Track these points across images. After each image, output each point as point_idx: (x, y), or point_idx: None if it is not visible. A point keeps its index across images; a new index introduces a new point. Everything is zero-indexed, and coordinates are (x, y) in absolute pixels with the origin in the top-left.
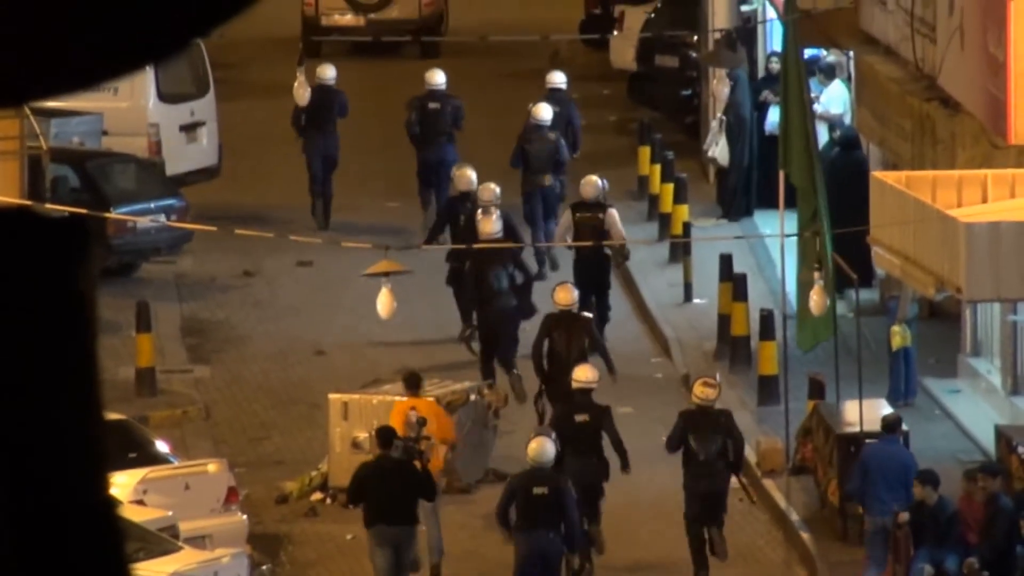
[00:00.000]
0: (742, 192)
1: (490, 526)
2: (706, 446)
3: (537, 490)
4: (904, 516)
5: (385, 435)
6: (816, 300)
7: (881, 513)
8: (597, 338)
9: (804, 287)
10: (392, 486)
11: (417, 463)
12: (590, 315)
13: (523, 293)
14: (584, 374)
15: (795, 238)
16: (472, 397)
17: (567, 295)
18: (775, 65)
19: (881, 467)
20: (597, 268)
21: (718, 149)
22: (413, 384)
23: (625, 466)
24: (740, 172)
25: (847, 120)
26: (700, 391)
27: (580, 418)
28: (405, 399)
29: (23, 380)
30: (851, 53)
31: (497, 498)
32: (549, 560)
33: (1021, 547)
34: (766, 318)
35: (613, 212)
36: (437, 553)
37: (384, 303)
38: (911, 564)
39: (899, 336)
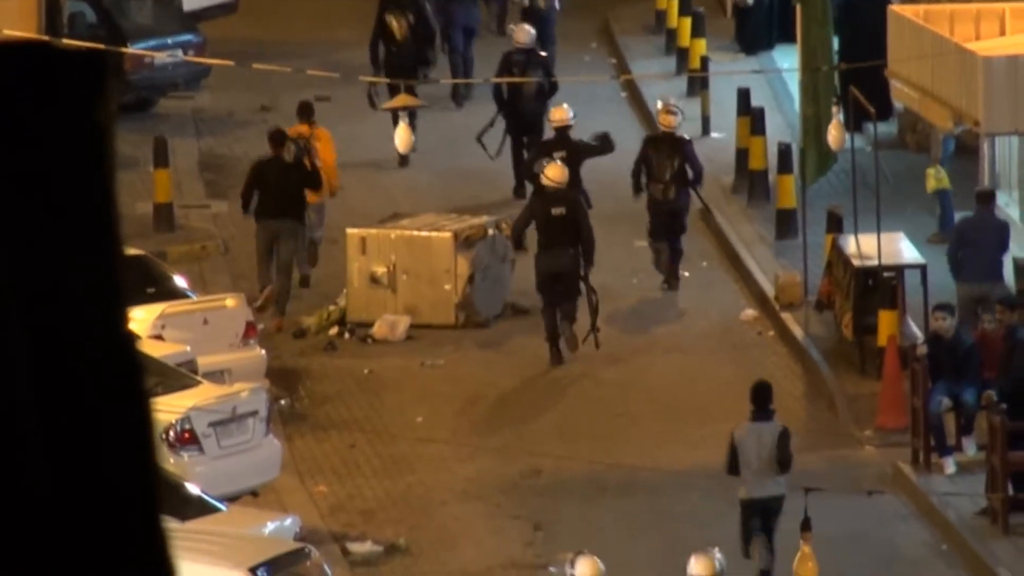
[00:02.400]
0: (763, 26)
1: (510, 361)
2: (665, 166)
3: (556, 210)
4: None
5: (277, 136)
6: (835, 135)
7: (976, 279)
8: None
9: (807, 121)
10: (282, 181)
11: (306, 161)
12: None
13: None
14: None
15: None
16: (490, 232)
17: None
18: None
19: (976, 234)
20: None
21: None
22: (305, 112)
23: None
24: (760, 6)
25: None
26: (664, 119)
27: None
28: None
29: (42, 214)
30: None
31: (515, 334)
32: (566, 276)
33: None
34: (784, 152)
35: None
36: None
37: (402, 137)
38: (929, 397)
39: (932, 179)
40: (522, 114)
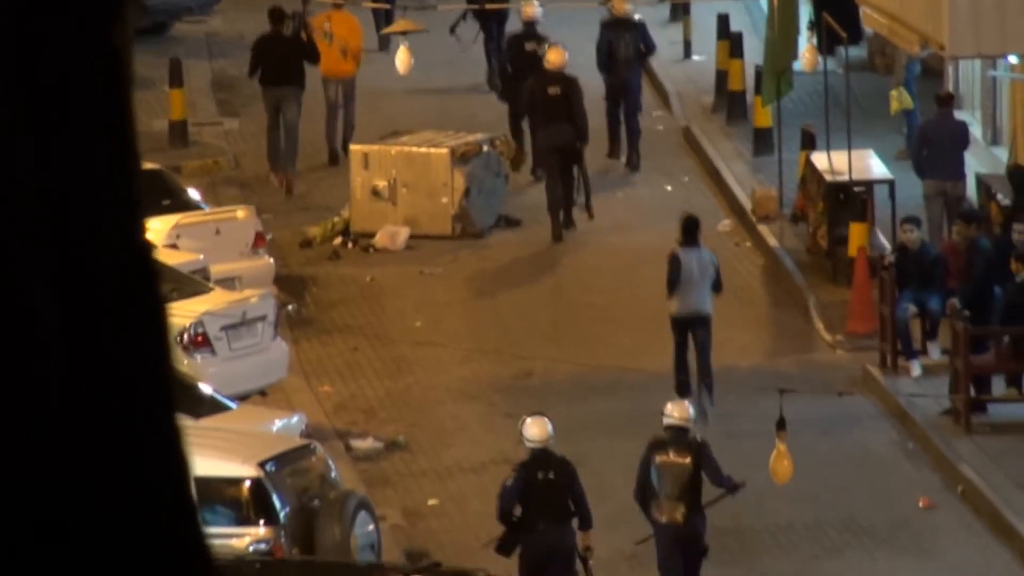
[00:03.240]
0: None
1: (503, 269)
2: (625, 47)
3: (552, 90)
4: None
5: (276, 14)
6: (808, 58)
7: (939, 177)
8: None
9: (771, 45)
10: (282, 53)
11: (302, 34)
12: None
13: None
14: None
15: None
16: (485, 148)
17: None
18: None
19: (938, 135)
20: None
21: None
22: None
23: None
24: None
25: None
26: (618, 5)
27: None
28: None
29: (65, 130)
30: None
31: (508, 244)
32: (566, 148)
33: (998, 288)
34: (760, 74)
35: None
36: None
37: (402, 60)
38: (896, 304)
39: (895, 100)
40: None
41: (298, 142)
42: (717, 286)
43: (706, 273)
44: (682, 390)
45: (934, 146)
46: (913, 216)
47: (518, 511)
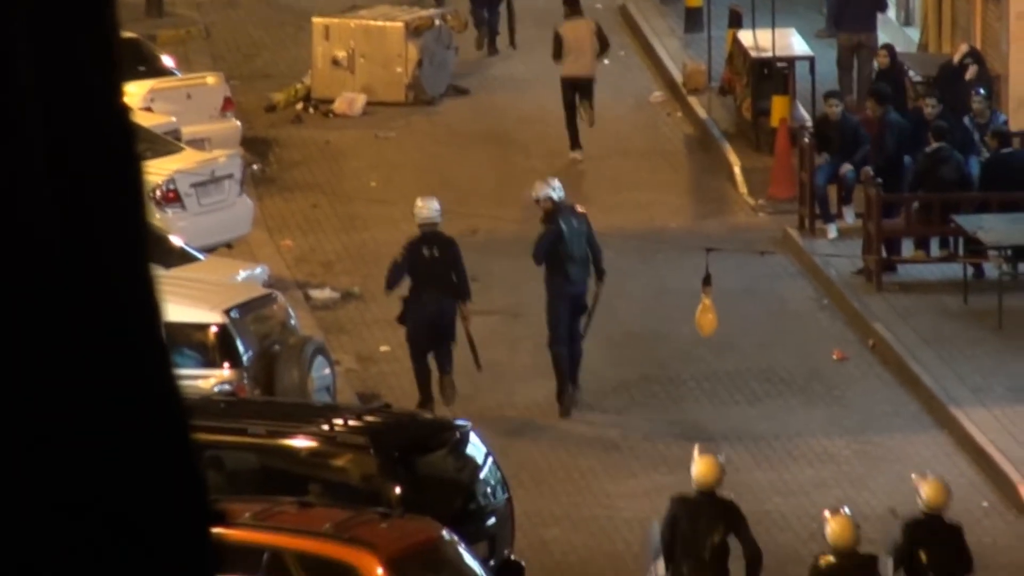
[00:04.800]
0: None
1: (452, 133)
2: None
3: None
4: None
5: None
6: None
7: (853, 30)
8: None
9: None
10: None
11: None
12: None
13: None
14: None
15: None
16: (437, 22)
17: None
18: None
19: None
20: None
21: None
22: None
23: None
24: None
25: None
26: None
27: None
28: None
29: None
30: None
31: (457, 111)
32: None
33: (908, 158)
34: None
35: None
36: None
37: None
38: (814, 172)
39: None
40: None
41: None
42: (604, 46)
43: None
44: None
45: (852, 4)
46: (835, 91)
47: (408, 285)
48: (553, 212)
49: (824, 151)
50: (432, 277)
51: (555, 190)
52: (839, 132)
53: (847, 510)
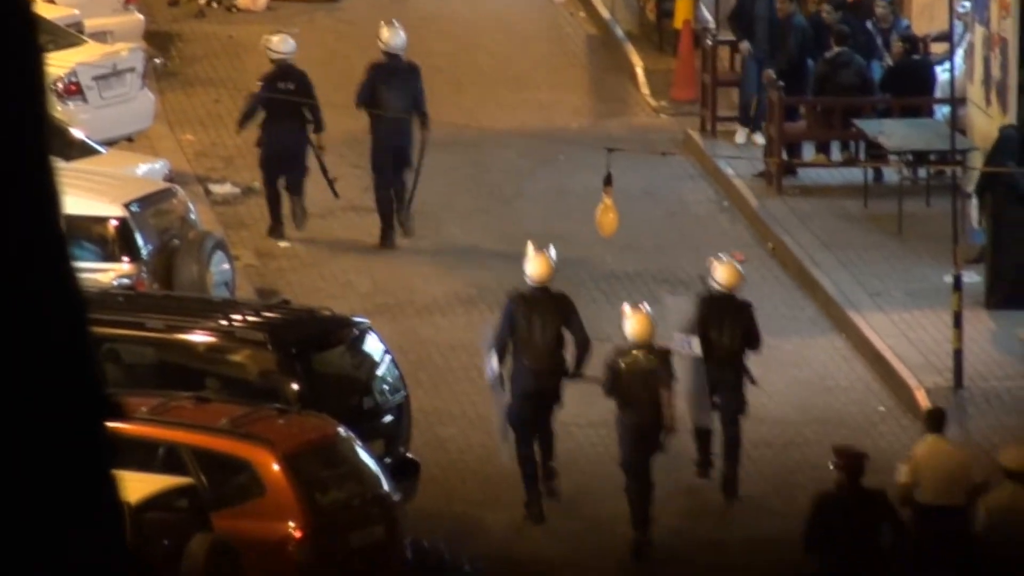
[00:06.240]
0: None
1: (355, 31)
2: None
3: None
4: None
5: None
6: None
7: None
8: None
9: None
10: None
11: None
12: None
13: None
14: None
15: None
16: None
17: None
18: None
19: None
20: None
21: None
22: None
23: None
24: None
25: None
26: None
27: None
28: None
29: None
30: None
31: (359, 8)
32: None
33: (811, 61)
34: None
35: None
36: None
37: None
38: (744, 74)
39: None
40: None
41: None
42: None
43: None
44: None
45: None
46: None
47: (264, 116)
48: (382, 62)
49: (746, 40)
50: (286, 108)
51: (396, 38)
52: (766, 23)
53: (646, 306)
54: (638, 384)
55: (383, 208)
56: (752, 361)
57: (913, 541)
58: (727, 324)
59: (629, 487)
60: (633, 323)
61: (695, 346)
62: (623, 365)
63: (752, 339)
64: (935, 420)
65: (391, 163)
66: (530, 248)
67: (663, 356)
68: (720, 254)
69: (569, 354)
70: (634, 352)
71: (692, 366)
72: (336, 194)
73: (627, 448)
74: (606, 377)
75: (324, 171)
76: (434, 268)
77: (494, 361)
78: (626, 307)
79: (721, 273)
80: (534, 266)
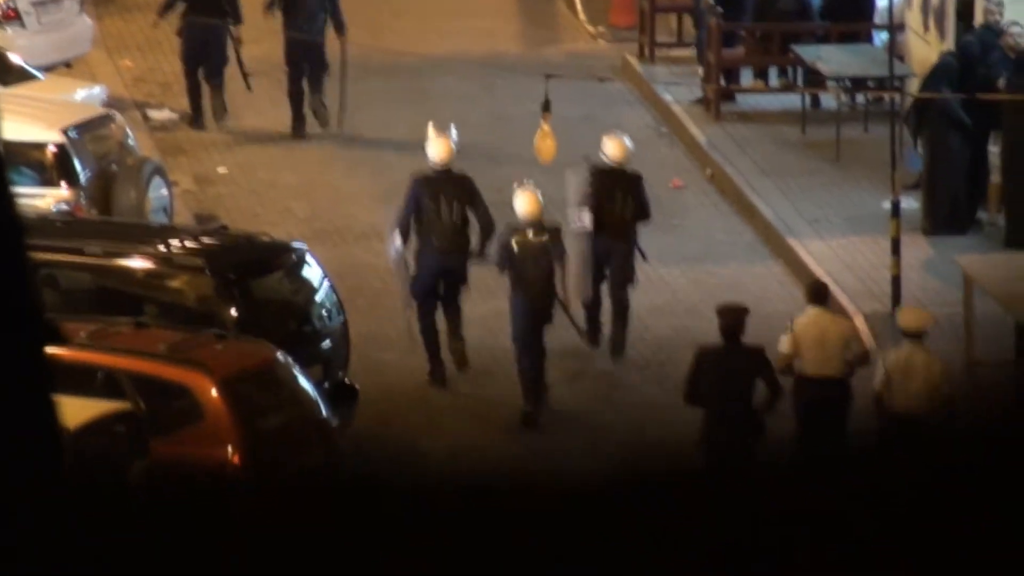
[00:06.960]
0: None
1: None
2: None
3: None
4: None
5: None
6: None
7: None
8: None
9: None
10: None
11: None
12: None
13: None
14: None
15: None
16: None
17: None
18: None
19: None
20: None
21: None
22: None
23: None
24: None
25: None
26: None
27: None
28: None
29: None
30: None
31: None
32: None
33: None
34: None
35: None
36: None
37: None
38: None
39: None
40: None
41: None
42: None
43: None
44: None
45: None
46: None
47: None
48: None
49: None
50: (204, 1)
51: None
52: None
53: (532, 183)
54: (530, 261)
55: (295, 100)
56: (690, 285)
57: (786, 401)
58: (618, 195)
59: (520, 360)
60: (523, 201)
61: (586, 220)
62: (515, 243)
63: (643, 210)
64: (817, 293)
65: (303, 56)
66: (431, 130)
67: (554, 233)
68: (612, 130)
69: (474, 236)
70: (525, 230)
71: (581, 240)
72: (250, 87)
73: (519, 322)
74: (499, 255)
75: (240, 64)
76: (372, 194)
77: (397, 240)
78: (516, 186)
79: (610, 147)
80: (435, 148)
